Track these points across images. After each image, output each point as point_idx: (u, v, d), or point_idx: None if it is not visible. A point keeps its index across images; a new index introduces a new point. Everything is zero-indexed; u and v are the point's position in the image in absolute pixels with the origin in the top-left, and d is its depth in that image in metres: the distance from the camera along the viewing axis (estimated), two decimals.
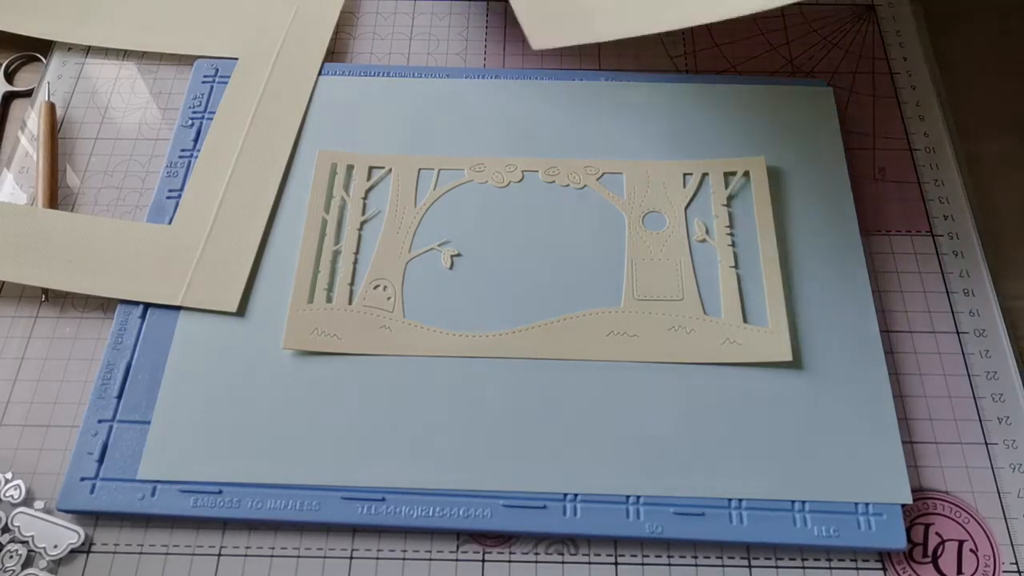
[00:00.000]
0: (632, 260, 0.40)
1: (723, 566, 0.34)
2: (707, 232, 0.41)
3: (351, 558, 0.34)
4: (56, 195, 0.43)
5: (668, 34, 0.49)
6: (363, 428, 0.36)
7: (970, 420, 0.37)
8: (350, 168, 0.43)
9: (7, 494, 0.35)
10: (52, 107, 0.45)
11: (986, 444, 0.36)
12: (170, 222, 0.41)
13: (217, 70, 0.47)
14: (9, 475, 0.35)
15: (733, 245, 0.40)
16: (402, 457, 0.35)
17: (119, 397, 0.37)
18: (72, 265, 0.40)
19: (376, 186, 0.43)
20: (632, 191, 0.42)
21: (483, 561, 0.34)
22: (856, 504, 0.34)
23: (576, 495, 0.35)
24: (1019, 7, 0.51)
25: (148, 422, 0.36)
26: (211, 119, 0.45)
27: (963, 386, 0.38)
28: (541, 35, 0.42)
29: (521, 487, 0.35)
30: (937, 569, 0.34)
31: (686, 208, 0.42)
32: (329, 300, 0.39)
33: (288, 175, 0.43)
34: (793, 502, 0.34)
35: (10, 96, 0.47)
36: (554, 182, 0.43)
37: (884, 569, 0.34)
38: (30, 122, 0.46)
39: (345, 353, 0.38)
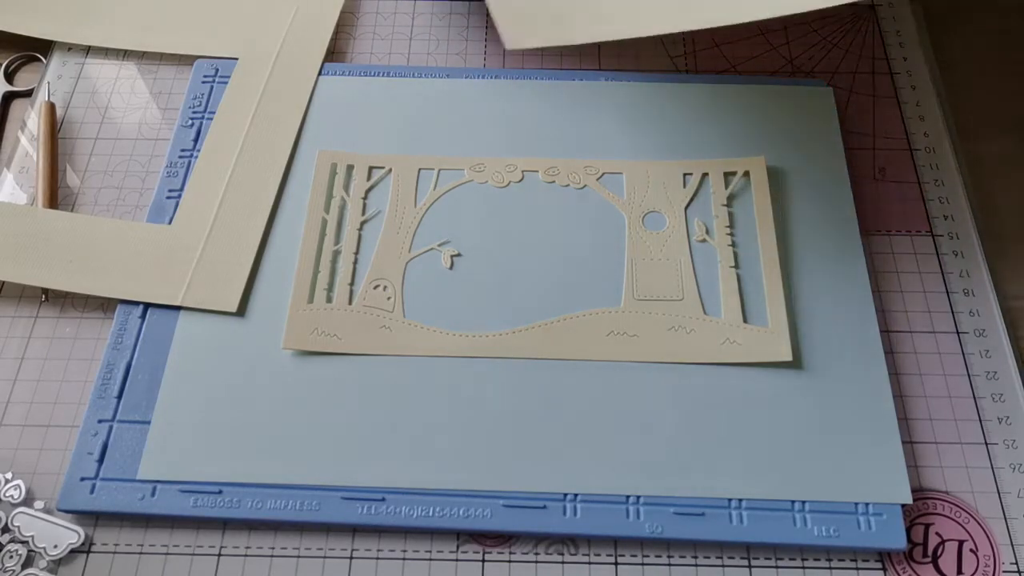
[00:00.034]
0: (632, 260, 0.40)
1: (723, 566, 0.34)
2: (707, 232, 0.41)
3: (351, 558, 0.34)
4: (56, 195, 0.43)
5: (667, 34, 0.49)
6: (363, 428, 0.36)
7: (970, 420, 0.37)
8: (350, 168, 0.43)
9: (7, 494, 0.35)
10: (52, 107, 0.45)
11: (986, 444, 0.36)
12: (170, 222, 0.41)
13: (217, 70, 0.47)
14: (9, 475, 0.35)
15: (733, 245, 0.40)
16: (402, 457, 0.35)
17: (119, 397, 0.37)
18: (72, 265, 0.40)
19: (376, 186, 0.43)
20: (632, 191, 0.42)
21: (483, 561, 0.34)
22: (856, 504, 0.34)
23: (576, 495, 0.35)
24: (1019, 7, 0.51)
25: (148, 422, 0.36)
26: (211, 119, 0.45)
27: (963, 386, 0.38)
28: (516, 36, 0.42)
29: (521, 487, 0.35)
30: (937, 569, 0.34)
31: (686, 208, 0.42)
32: (329, 300, 0.39)
33: (288, 175, 0.43)
34: (793, 502, 0.34)
35: (10, 96, 0.47)
36: (554, 182, 0.43)
37: (884, 569, 0.34)
38: (30, 122, 0.46)
39: (345, 353, 0.38)
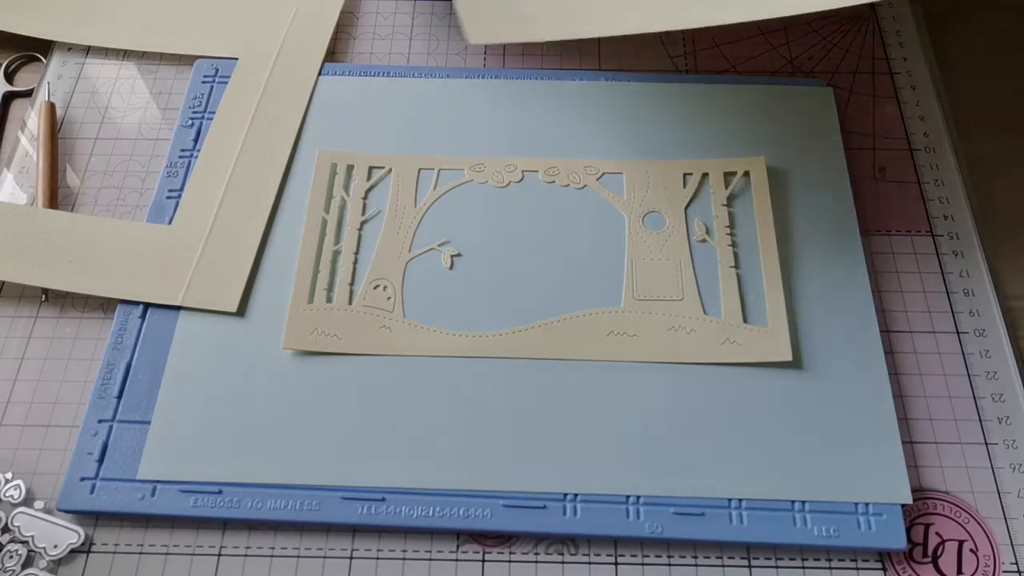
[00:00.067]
0: (632, 260, 0.40)
1: (723, 566, 0.34)
2: (707, 232, 0.41)
3: (351, 558, 0.34)
4: (56, 195, 0.43)
5: (667, 34, 0.49)
6: (363, 428, 0.36)
7: (970, 420, 0.37)
8: (350, 168, 0.43)
9: (7, 494, 0.35)
10: (52, 107, 0.45)
11: (986, 444, 0.36)
12: (170, 222, 0.41)
13: (217, 70, 0.47)
14: (9, 475, 0.35)
15: (733, 245, 0.40)
16: (402, 457, 0.35)
17: (119, 397, 0.37)
18: (72, 265, 0.40)
19: (376, 186, 0.43)
20: (632, 191, 0.42)
21: (483, 561, 0.34)
22: (856, 504, 0.34)
23: (576, 495, 0.35)
24: (1019, 7, 0.51)
25: (148, 422, 0.36)
26: (211, 119, 0.45)
27: (963, 386, 0.38)
28: (478, 30, 0.42)
29: (521, 487, 0.35)
30: (937, 569, 0.34)
31: (686, 208, 0.42)
32: (329, 300, 0.39)
33: (288, 175, 0.43)
34: (793, 502, 0.34)
35: (10, 96, 0.47)
36: (554, 182, 0.43)
37: (884, 569, 0.34)
38: (30, 122, 0.46)
39: (345, 353, 0.38)
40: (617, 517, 0.34)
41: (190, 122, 0.45)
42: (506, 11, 0.42)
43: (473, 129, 0.44)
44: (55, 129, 0.45)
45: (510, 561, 0.34)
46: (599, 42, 0.49)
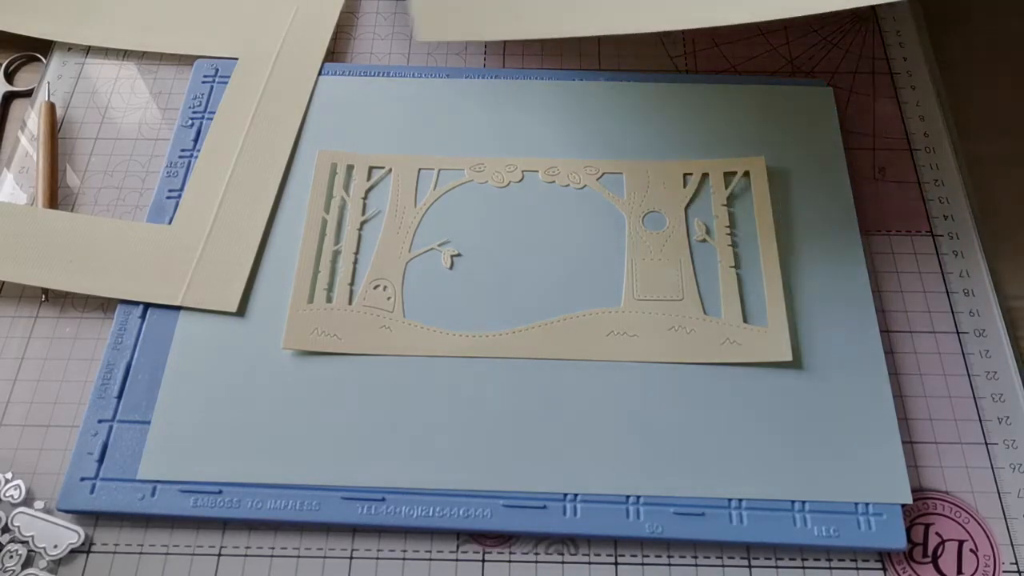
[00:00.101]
0: (632, 260, 0.40)
1: (723, 566, 0.34)
2: (707, 232, 0.41)
3: (351, 558, 0.34)
4: (56, 195, 0.43)
5: (667, 34, 0.49)
6: (363, 428, 0.36)
7: (970, 420, 0.37)
8: (350, 168, 0.43)
9: (7, 494, 0.35)
10: (52, 107, 0.45)
11: (986, 444, 0.36)
12: (170, 222, 0.41)
13: (217, 70, 0.47)
14: (9, 475, 0.35)
15: (733, 245, 0.40)
16: (402, 457, 0.35)
17: (119, 397, 0.37)
18: (72, 265, 0.40)
19: (376, 186, 0.43)
20: (632, 191, 0.42)
21: (483, 561, 0.34)
22: (856, 504, 0.34)
23: (576, 495, 0.35)
24: (1019, 7, 0.51)
25: (148, 422, 0.36)
26: (211, 119, 0.45)
27: (963, 386, 0.38)
28: (429, 28, 0.42)
29: (521, 487, 0.35)
30: (937, 569, 0.34)
31: (686, 208, 0.42)
32: (329, 300, 0.39)
33: (288, 175, 0.43)
34: (793, 502, 0.34)
35: (10, 96, 0.47)
36: (554, 182, 0.43)
37: (884, 569, 0.34)
38: (30, 122, 0.46)
39: (345, 353, 0.38)
40: (617, 517, 0.34)
41: (190, 122, 0.45)
42: (458, 10, 0.41)
43: (473, 129, 0.44)
44: (55, 129, 0.45)
45: (510, 561, 0.34)
46: (599, 42, 0.49)
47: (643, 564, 0.34)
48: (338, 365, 0.37)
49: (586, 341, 0.38)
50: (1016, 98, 0.47)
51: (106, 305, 0.40)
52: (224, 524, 0.35)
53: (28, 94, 0.47)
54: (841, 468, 0.35)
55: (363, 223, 0.41)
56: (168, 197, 0.42)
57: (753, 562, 0.34)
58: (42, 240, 0.40)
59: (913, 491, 0.35)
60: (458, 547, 0.34)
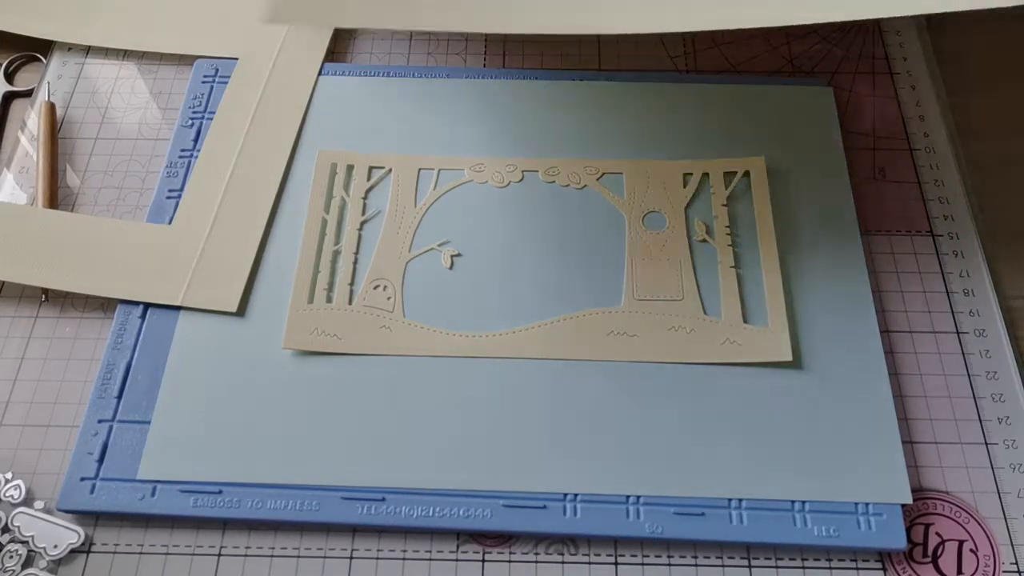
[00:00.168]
0: (632, 260, 0.40)
1: (723, 566, 0.34)
2: (707, 232, 0.41)
3: (351, 558, 0.34)
4: (56, 195, 0.43)
5: (668, 34, 0.49)
6: (363, 428, 0.36)
7: (970, 420, 0.37)
8: (350, 168, 0.43)
9: (7, 494, 0.35)
10: (52, 107, 0.45)
11: (986, 444, 0.36)
12: (170, 222, 0.41)
13: (217, 70, 0.47)
14: (9, 475, 0.35)
15: (733, 245, 0.40)
16: (402, 457, 0.35)
17: (119, 397, 0.37)
18: (72, 265, 0.40)
19: (376, 186, 0.43)
20: (632, 191, 0.42)
21: (483, 561, 0.34)
22: (856, 504, 0.34)
23: (576, 495, 0.35)
24: (1019, 7, 0.51)
25: (148, 422, 0.36)
26: (211, 119, 0.45)
27: (963, 386, 0.38)
28: (284, 10, 0.40)
29: (521, 487, 0.35)
30: (937, 569, 0.34)
31: (686, 208, 0.42)
32: (329, 300, 0.39)
33: (288, 175, 0.43)
34: (793, 502, 0.34)
35: (10, 96, 0.47)
36: (554, 182, 0.43)
37: (884, 569, 0.34)
38: (30, 122, 0.46)
39: (345, 353, 0.38)
40: (617, 517, 0.34)
41: (190, 122, 0.45)
42: None
43: (473, 129, 0.44)
44: (55, 129, 0.45)
45: (510, 561, 0.34)
46: (599, 42, 0.49)
47: (643, 564, 0.34)
48: (338, 365, 0.37)
49: (586, 341, 0.38)
50: (1016, 98, 0.47)
51: (106, 305, 0.40)
52: (224, 524, 0.35)
53: (28, 94, 0.47)
54: (841, 468, 0.35)
55: (363, 223, 0.41)
56: (168, 197, 0.42)
57: (753, 562, 0.34)
58: (42, 240, 0.40)
59: (913, 491, 0.35)
60: (458, 547, 0.34)
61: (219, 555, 0.34)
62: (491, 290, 0.39)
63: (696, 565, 0.34)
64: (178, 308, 0.39)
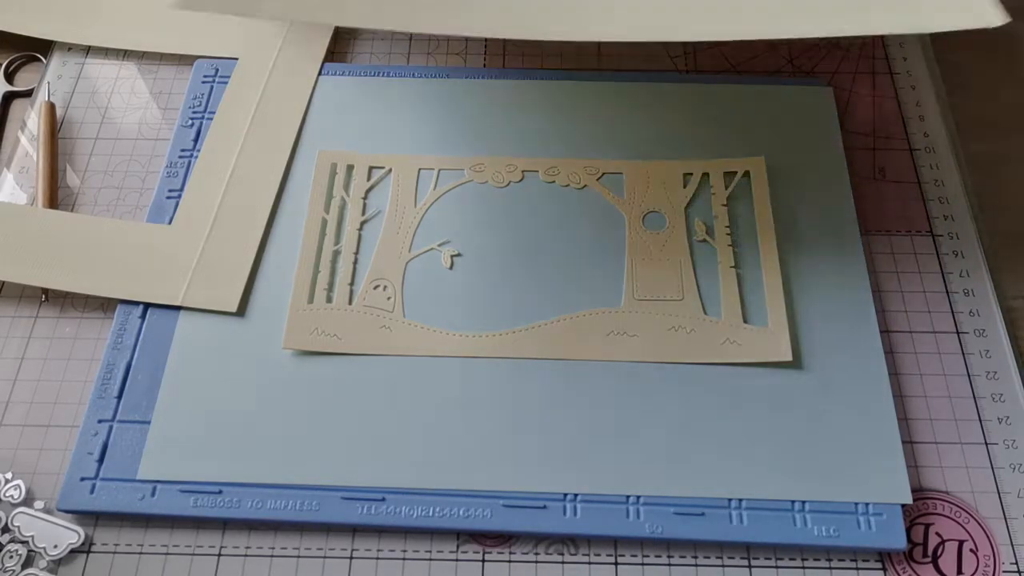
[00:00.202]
0: (632, 260, 0.40)
1: (723, 566, 0.34)
2: (707, 232, 0.41)
3: (351, 558, 0.34)
4: (56, 195, 0.43)
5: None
6: (363, 428, 0.36)
7: (970, 420, 0.37)
8: (350, 168, 0.43)
9: (7, 494, 0.35)
10: (52, 107, 0.45)
11: (986, 444, 0.36)
12: (170, 222, 0.41)
13: (217, 70, 0.47)
14: (9, 475, 0.35)
15: (733, 245, 0.40)
16: (402, 457, 0.35)
17: (119, 397, 0.37)
18: (72, 265, 0.40)
19: (376, 186, 0.43)
20: (632, 191, 0.42)
21: (483, 561, 0.34)
22: (856, 504, 0.34)
23: (576, 495, 0.35)
24: (1019, 7, 0.51)
25: (148, 422, 0.36)
26: (211, 119, 0.45)
27: (963, 386, 0.38)
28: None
29: (521, 487, 0.35)
30: (937, 569, 0.34)
31: (686, 208, 0.42)
32: (329, 300, 0.39)
33: (288, 175, 0.43)
34: (793, 502, 0.34)
35: (10, 96, 0.47)
36: (554, 182, 0.43)
37: (884, 569, 0.34)
38: (30, 122, 0.46)
39: (345, 353, 0.38)
40: (617, 517, 0.34)
41: (190, 122, 0.45)
42: None
43: (473, 129, 0.44)
44: (55, 129, 0.45)
45: (510, 561, 0.34)
46: (599, 43, 0.49)
47: (643, 564, 0.34)
48: (338, 365, 0.37)
49: (586, 341, 0.38)
50: (1016, 98, 0.47)
51: (106, 305, 0.40)
52: (224, 524, 0.35)
53: (28, 94, 0.47)
54: (841, 468, 0.35)
55: (363, 223, 0.41)
56: (168, 197, 0.42)
57: (753, 562, 0.34)
58: (42, 240, 0.40)
59: (913, 491, 0.35)
60: (458, 547, 0.34)
61: (219, 555, 0.34)
62: (491, 290, 0.39)
63: (696, 565, 0.34)
64: (178, 308, 0.39)
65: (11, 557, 0.34)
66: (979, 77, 0.48)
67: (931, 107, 0.46)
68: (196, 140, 0.44)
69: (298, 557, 0.34)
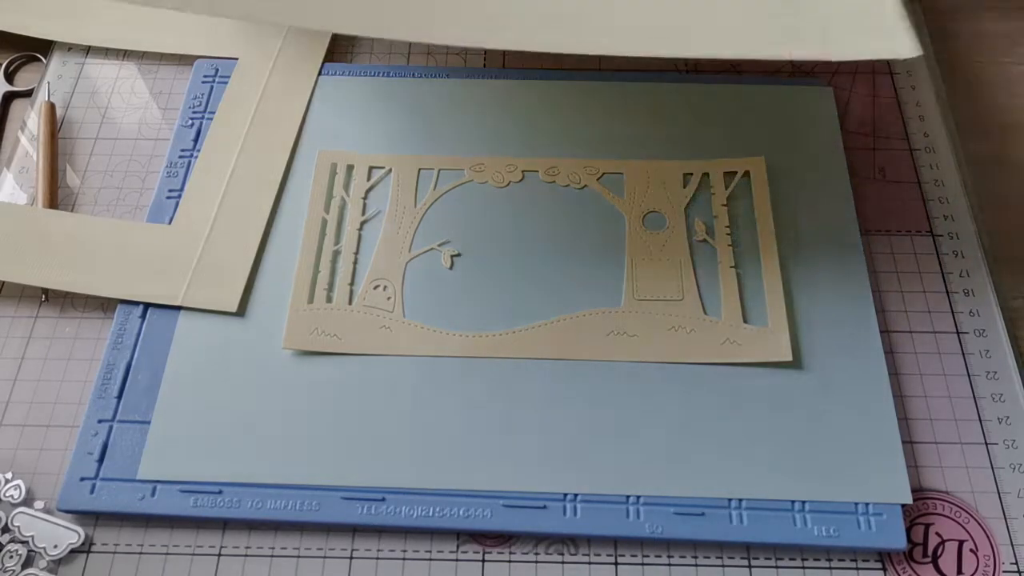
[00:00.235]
0: (632, 260, 0.40)
1: (723, 566, 0.34)
2: (707, 232, 0.41)
3: (351, 558, 0.34)
4: (56, 195, 0.43)
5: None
6: (363, 428, 0.36)
7: (970, 420, 0.37)
8: (350, 168, 0.43)
9: (7, 494, 0.35)
10: (52, 107, 0.45)
11: (986, 444, 0.36)
12: (170, 222, 0.41)
13: (217, 70, 0.47)
14: (9, 475, 0.35)
15: (733, 245, 0.40)
16: (402, 457, 0.35)
17: (119, 397, 0.37)
18: (72, 265, 0.40)
19: (376, 186, 0.43)
20: (632, 191, 0.42)
21: (483, 561, 0.34)
22: (856, 504, 0.34)
23: (576, 495, 0.35)
24: (1019, 7, 0.51)
25: (148, 422, 0.36)
26: (211, 119, 0.45)
27: (963, 386, 0.38)
28: None
29: (521, 487, 0.35)
30: (937, 569, 0.34)
31: (686, 208, 0.42)
32: (329, 300, 0.39)
33: (288, 175, 0.43)
34: (793, 502, 0.34)
35: (10, 96, 0.47)
36: (554, 182, 0.43)
37: (884, 569, 0.34)
38: (30, 122, 0.46)
39: (345, 353, 0.38)
40: (617, 517, 0.34)
41: (190, 122, 0.45)
42: None
43: (473, 129, 0.44)
44: (55, 129, 0.45)
45: (510, 561, 0.34)
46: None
47: (643, 564, 0.34)
48: (338, 365, 0.37)
49: (586, 341, 0.38)
50: (1016, 98, 0.47)
51: (106, 305, 0.40)
52: (224, 524, 0.35)
53: (28, 94, 0.47)
54: (841, 468, 0.35)
55: (363, 223, 0.41)
56: (168, 197, 0.42)
57: (753, 562, 0.34)
58: (42, 240, 0.40)
59: (913, 491, 0.35)
60: (458, 547, 0.34)
61: (219, 555, 0.34)
62: (491, 290, 0.39)
63: (696, 565, 0.34)
64: (178, 308, 0.39)
65: (11, 557, 0.34)
66: (979, 77, 0.48)
67: (931, 107, 0.46)
68: (196, 140, 0.44)
69: (298, 557, 0.34)
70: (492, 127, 0.44)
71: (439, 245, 0.41)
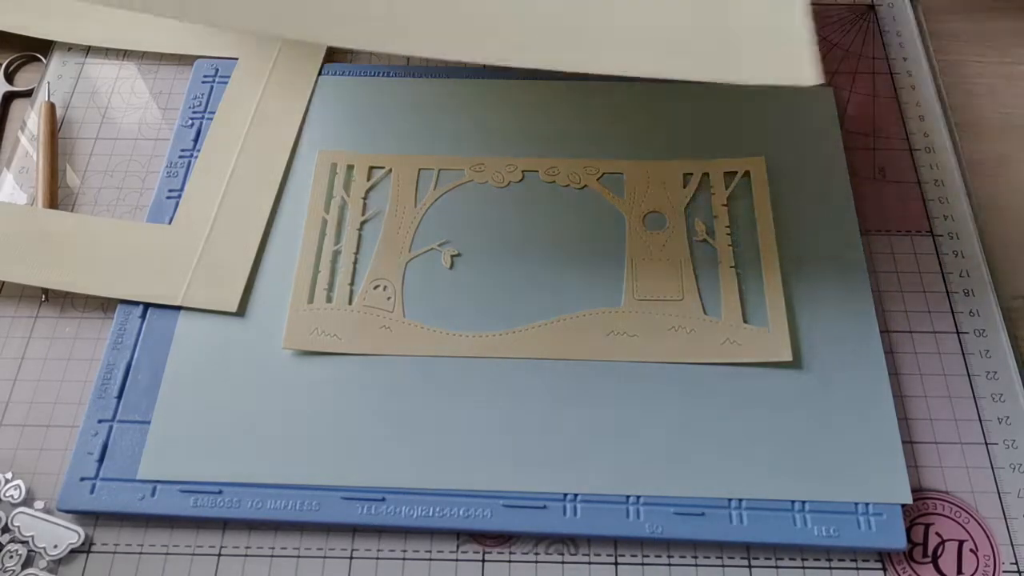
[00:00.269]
0: (632, 260, 0.40)
1: (723, 566, 0.34)
2: (707, 232, 0.41)
3: (351, 558, 0.34)
4: (56, 195, 0.43)
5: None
6: (363, 428, 0.36)
7: (970, 420, 0.37)
8: (350, 168, 0.43)
9: (7, 494, 0.35)
10: (52, 107, 0.45)
11: (986, 444, 0.36)
12: (170, 222, 0.41)
13: (217, 70, 0.47)
14: (9, 475, 0.35)
15: (733, 245, 0.40)
16: (402, 457, 0.35)
17: (119, 397, 0.37)
18: (72, 265, 0.40)
19: (376, 186, 0.43)
20: (632, 191, 0.42)
21: (483, 561, 0.34)
22: (856, 504, 0.34)
23: (576, 495, 0.35)
24: (1019, 7, 0.51)
25: (148, 422, 0.36)
26: (211, 119, 0.45)
27: (963, 386, 0.38)
28: None
29: (521, 487, 0.35)
30: (937, 569, 0.34)
31: (686, 208, 0.42)
32: (329, 300, 0.39)
33: (288, 175, 0.43)
34: (793, 502, 0.34)
35: (10, 96, 0.47)
36: (554, 182, 0.43)
37: (884, 569, 0.34)
38: (30, 122, 0.46)
39: (345, 353, 0.38)
40: (617, 517, 0.34)
41: (190, 122, 0.45)
42: None
43: (473, 129, 0.44)
44: (55, 129, 0.45)
45: (510, 561, 0.34)
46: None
47: (643, 564, 0.34)
48: (338, 365, 0.37)
49: (586, 341, 0.38)
50: (1016, 98, 0.47)
51: (106, 305, 0.40)
52: (224, 524, 0.35)
53: (28, 94, 0.47)
54: (841, 468, 0.35)
55: (363, 223, 0.41)
56: (168, 197, 0.42)
57: (753, 562, 0.34)
58: (42, 240, 0.40)
59: (913, 491, 0.35)
60: (458, 547, 0.34)
61: (219, 555, 0.34)
62: (491, 290, 0.39)
63: (696, 565, 0.34)
64: (178, 308, 0.39)
65: (11, 557, 0.34)
66: (979, 77, 0.48)
67: (931, 107, 0.46)
68: (196, 140, 0.44)
69: (298, 557, 0.34)
70: (492, 127, 0.44)
71: (439, 245, 0.41)
